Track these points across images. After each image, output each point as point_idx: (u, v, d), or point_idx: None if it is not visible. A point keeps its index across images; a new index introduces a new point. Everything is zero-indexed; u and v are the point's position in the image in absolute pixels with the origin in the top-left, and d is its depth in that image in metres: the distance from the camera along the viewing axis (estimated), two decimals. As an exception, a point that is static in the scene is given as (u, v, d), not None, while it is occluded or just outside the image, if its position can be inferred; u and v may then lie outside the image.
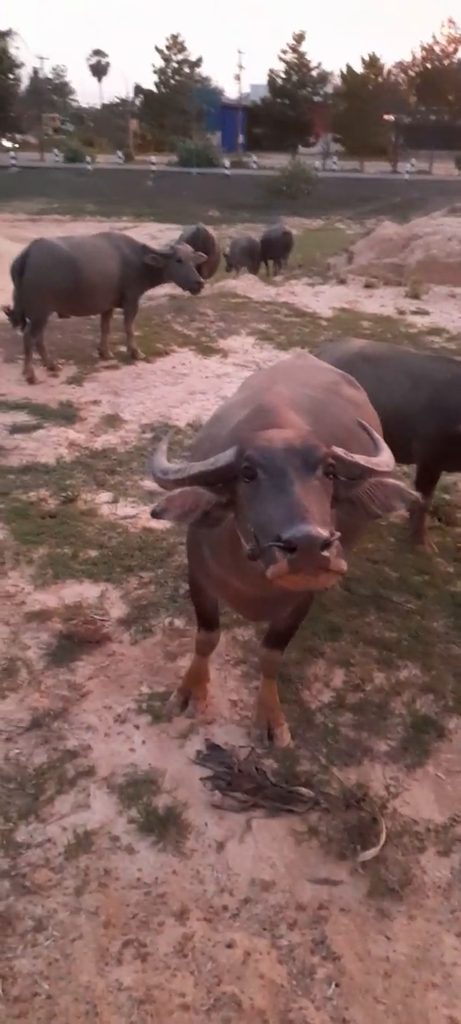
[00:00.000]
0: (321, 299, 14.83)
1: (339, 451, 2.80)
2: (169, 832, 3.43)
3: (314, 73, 70.76)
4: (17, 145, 64.52)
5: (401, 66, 71.11)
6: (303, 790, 3.65)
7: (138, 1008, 2.77)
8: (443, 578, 5.47)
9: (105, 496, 6.54)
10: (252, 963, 2.93)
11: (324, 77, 71.72)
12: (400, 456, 5.44)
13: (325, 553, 2.33)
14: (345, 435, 3.37)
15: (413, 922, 3.11)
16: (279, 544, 2.36)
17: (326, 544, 2.33)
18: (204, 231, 14.48)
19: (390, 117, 64.06)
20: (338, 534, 2.42)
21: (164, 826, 3.45)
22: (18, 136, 64.24)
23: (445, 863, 3.35)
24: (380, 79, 66.41)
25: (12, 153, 56.47)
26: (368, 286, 15.85)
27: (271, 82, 70.69)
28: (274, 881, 3.25)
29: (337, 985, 2.87)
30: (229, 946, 2.98)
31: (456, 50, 69.86)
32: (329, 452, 2.71)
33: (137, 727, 4.04)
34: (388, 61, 76.42)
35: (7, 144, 58.18)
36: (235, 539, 2.85)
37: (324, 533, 2.34)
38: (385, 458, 3.08)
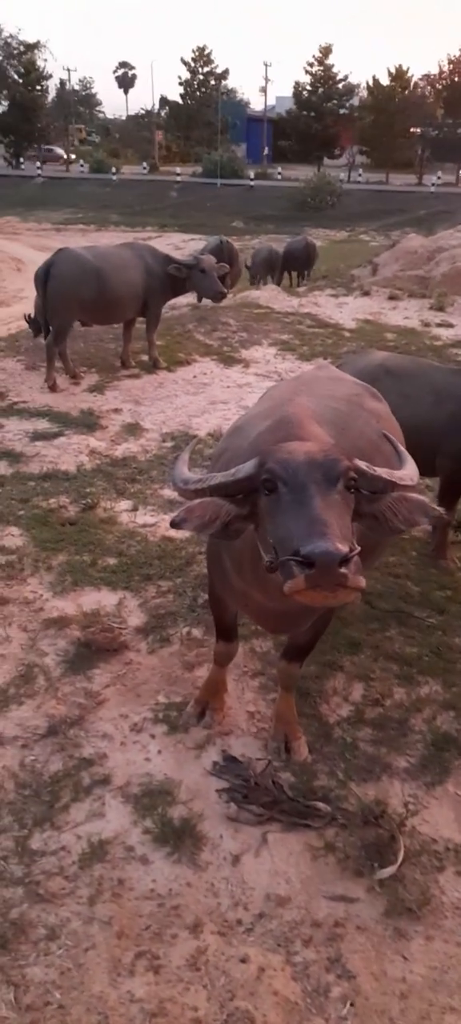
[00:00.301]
0: (344, 311, 14.79)
1: (362, 465, 2.76)
2: (184, 844, 3.40)
3: (340, 86, 70.70)
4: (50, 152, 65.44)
5: (428, 79, 70.88)
6: (320, 805, 3.60)
7: (150, 1020, 2.74)
8: (465, 594, 5.39)
9: (125, 504, 6.55)
10: (266, 979, 2.89)
11: (351, 89, 71.55)
12: (423, 470, 5.41)
13: (343, 570, 2.29)
14: (368, 447, 3.34)
15: (431, 943, 3.05)
16: (297, 559, 2.33)
17: (345, 560, 2.29)
18: (227, 243, 14.58)
19: (416, 130, 63.88)
20: (357, 549, 2.39)
21: (179, 837, 3.43)
22: (45, 147, 65.01)
23: (464, 884, 3.29)
24: (406, 92, 66.22)
25: (38, 164, 57.25)
26: (392, 298, 15.78)
27: (297, 95, 70.77)
28: (289, 896, 3.21)
29: (352, 1004, 2.82)
30: (243, 961, 2.95)
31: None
32: (351, 466, 2.67)
33: (153, 736, 4.02)
34: (416, 73, 75.83)
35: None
36: (256, 551, 2.83)
37: (343, 549, 2.30)
38: (409, 471, 3.04)
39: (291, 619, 3.47)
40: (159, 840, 3.42)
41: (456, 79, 65.36)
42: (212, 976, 2.89)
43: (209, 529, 2.82)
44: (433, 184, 52.07)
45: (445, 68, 66.26)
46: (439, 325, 13.53)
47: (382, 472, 2.85)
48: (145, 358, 10.59)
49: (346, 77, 70.24)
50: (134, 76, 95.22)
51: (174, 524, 2.83)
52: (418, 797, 3.70)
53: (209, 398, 9.44)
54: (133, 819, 3.52)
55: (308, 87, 69.89)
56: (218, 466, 3.28)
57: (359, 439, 3.40)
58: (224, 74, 77.18)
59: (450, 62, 65.82)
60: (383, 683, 4.47)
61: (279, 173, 58.15)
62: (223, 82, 77.10)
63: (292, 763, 3.86)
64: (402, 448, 3.30)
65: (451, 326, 13.47)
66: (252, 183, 52.04)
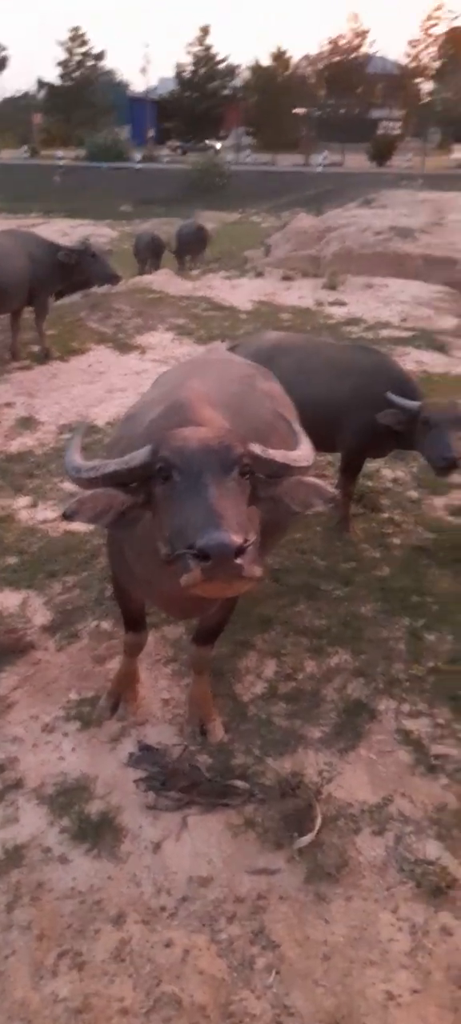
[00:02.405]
0: (239, 292, 14.87)
1: (256, 449, 2.75)
2: (103, 838, 3.36)
3: (221, 67, 70.87)
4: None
5: (309, 59, 72.27)
6: (238, 783, 3.64)
7: (75, 1018, 2.71)
8: (370, 564, 5.55)
9: (23, 501, 6.35)
10: (191, 960, 2.91)
11: (232, 71, 71.95)
12: (324, 446, 5.55)
13: (239, 561, 2.30)
14: (263, 428, 3.34)
15: (350, 903, 3.15)
16: (193, 552, 2.32)
17: (240, 551, 2.30)
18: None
19: (300, 110, 64.95)
20: (253, 538, 2.40)
21: (98, 832, 3.38)
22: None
23: (380, 842, 3.40)
24: (287, 73, 67.29)
25: None
26: (286, 278, 15.99)
27: (179, 75, 70.45)
28: (212, 876, 3.23)
29: (278, 972, 2.88)
30: (167, 946, 2.95)
31: (361, 44, 71.58)
32: (246, 451, 2.66)
33: (66, 735, 3.94)
34: (297, 55, 77.09)
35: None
36: (153, 530, 2.79)
37: (238, 540, 2.30)
38: (304, 452, 3.06)
39: (196, 603, 3.45)
40: (77, 837, 3.36)
41: (336, 59, 66.98)
42: (137, 965, 2.88)
43: (103, 519, 2.77)
44: (320, 164, 53.01)
45: (325, 49, 67.85)
46: (332, 304, 13.81)
47: (277, 455, 2.85)
48: (36, 348, 10.27)
49: (226, 58, 70.55)
50: (6, 58, 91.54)
51: (66, 516, 2.78)
52: (333, 764, 3.79)
53: (106, 386, 9.28)
54: (49, 820, 3.45)
55: (190, 68, 69.69)
56: (113, 455, 3.20)
57: (253, 420, 3.39)
58: (100, 55, 75.68)
59: (330, 42, 67.40)
60: (295, 657, 4.55)
61: (167, 155, 57.70)
62: (100, 63, 75.67)
63: (209, 745, 3.87)
64: (298, 427, 3.33)
65: (343, 304, 13.78)
66: (138, 166, 51.38)
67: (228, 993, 2.81)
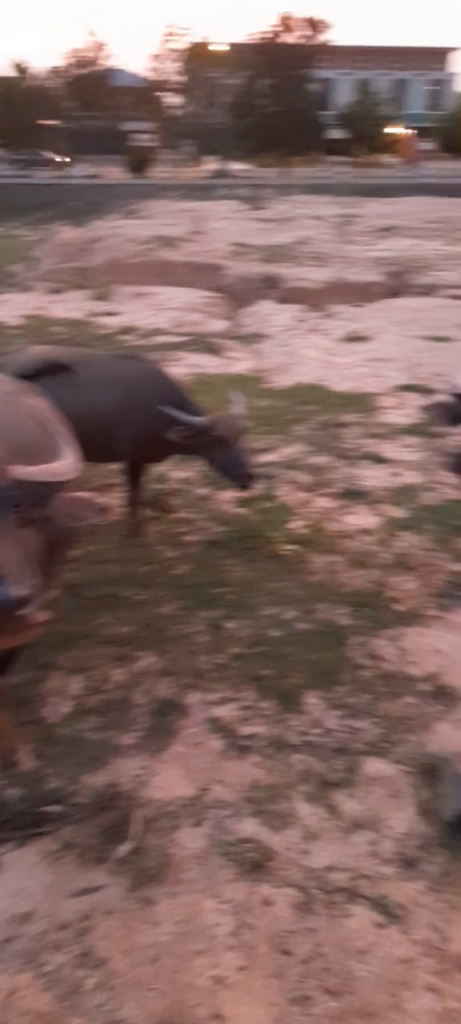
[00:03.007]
0: (7, 308, 14.30)
1: (22, 474, 2.67)
2: None
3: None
4: None
5: (56, 71, 71.81)
6: (51, 808, 3.52)
7: None
8: (167, 564, 5.63)
9: None
10: (16, 1002, 2.78)
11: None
12: (103, 457, 5.55)
13: (24, 611, 2.24)
14: (27, 445, 3.20)
15: (175, 899, 3.17)
16: None
17: (24, 602, 2.24)
18: None
19: (51, 122, 64.39)
20: (37, 586, 2.34)
21: None
22: None
23: (199, 832, 3.46)
24: (31, 85, 66.63)
25: None
26: (55, 291, 15.68)
27: None
28: (33, 909, 3.10)
29: (110, 989, 2.84)
30: (-10, 993, 2.79)
31: (100, 56, 72.70)
32: (13, 482, 2.58)
33: None
34: (45, 66, 75.98)
35: None
36: None
37: (21, 593, 2.25)
38: (66, 462, 3.02)
39: None
40: None
41: (82, 71, 67.38)
42: (-42, 1024, 2.69)
43: None
44: (79, 176, 52.61)
45: (70, 61, 68.27)
46: (105, 315, 13.78)
47: (42, 475, 2.79)
48: None
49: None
50: None
51: None
52: (148, 767, 3.80)
53: None
54: None
55: None
56: None
57: (17, 436, 3.21)
58: None
59: (72, 54, 67.93)
60: (101, 669, 4.49)
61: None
62: None
63: (17, 776, 3.71)
64: (62, 437, 3.28)
65: (116, 314, 13.81)
66: None
67: (58, 1024, 2.71)
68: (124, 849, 3.34)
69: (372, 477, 7.10)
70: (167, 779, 3.75)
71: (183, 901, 3.17)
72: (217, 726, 4.08)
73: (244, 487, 5.70)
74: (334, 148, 67.97)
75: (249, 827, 3.50)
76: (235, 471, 5.57)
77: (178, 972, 2.91)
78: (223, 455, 5.51)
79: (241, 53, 65.36)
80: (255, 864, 3.31)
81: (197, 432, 5.39)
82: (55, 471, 2.88)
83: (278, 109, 63.17)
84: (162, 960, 2.95)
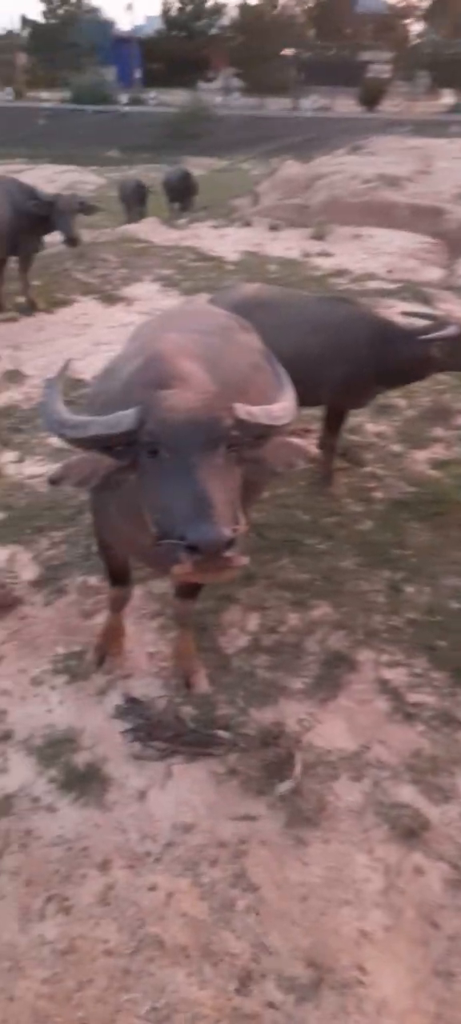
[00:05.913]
0: (226, 243, 14.70)
1: (242, 414, 2.72)
2: (90, 787, 3.47)
3: (209, 5, 69.00)
4: None
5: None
6: (221, 733, 3.74)
7: (61, 959, 2.83)
8: (352, 518, 5.62)
9: (10, 456, 6.38)
10: (174, 903, 3.03)
11: (219, 9, 70.05)
12: (305, 401, 5.57)
13: (228, 554, 2.34)
14: (241, 380, 3.28)
15: (328, 846, 3.27)
16: (183, 543, 2.35)
17: (230, 543, 2.33)
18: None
19: (289, 52, 63.43)
20: (242, 528, 2.42)
21: (85, 782, 3.49)
22: None
23: (357, 787, 3.52)
24: (275, 12, 65.69)
25: None
26: (273, 228, 15.80)
27: (165, 14, 68.58)
28: (195, 823, 3.34)
29: (257, 914, 3.00)
30: (151, 889, 3.07)
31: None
32: (233, 423, 2.63)
33: (54, 688, 4.03)
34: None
35: None
36: (140, 498, 2.78)
37: (228, 533, 2.33)
38: (286, 405, 3.05)
39: None
40: (65, 787, 3.47)
41: (325, -1, 65.55)
42: (122, 907, 3.01)
43: (89, 484, 2.76)
44: (309, 109, 51.97)
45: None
46: (319, 255, 13.69)
47: (261, 417, 2.83)
48: (22, 300, 10.16)
49: (214, -5, 68.71)
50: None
51: (52, 482, 2.76)
52: (313, 714, 3.90)
53: (92, 339, 9.20)
54: (38, 770, 3.55)
55: (177, 5, 67.87)
56: (93, 411, 3.12)
57: (232, 372, 3.29)
58: (85, -10, 73.36)
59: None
60: (277, 611, 4.64)
61: (153, 98, 56.43)
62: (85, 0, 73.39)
63: (193, 697, 3.97)
64: (282, 378, 3.30)
65: (330, 255, 13.67)
66: (125, 109, 50.25)
67: (209, 934, 2.93)
68: (286, 787, 3.48)
69: None
70: (331, 729, 3.83)
71: (335, 849, 3.26)
72: (385, 688, 4.07)
73: None
74: None
75: (407, 793, 3.49)
76: None
77: (325, 915, 3.01)
78: None
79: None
80: (410, 831, 3.32)
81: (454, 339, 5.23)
82: (276, 414, 2.92)
83: None
84: (310, 900, 3.07)
